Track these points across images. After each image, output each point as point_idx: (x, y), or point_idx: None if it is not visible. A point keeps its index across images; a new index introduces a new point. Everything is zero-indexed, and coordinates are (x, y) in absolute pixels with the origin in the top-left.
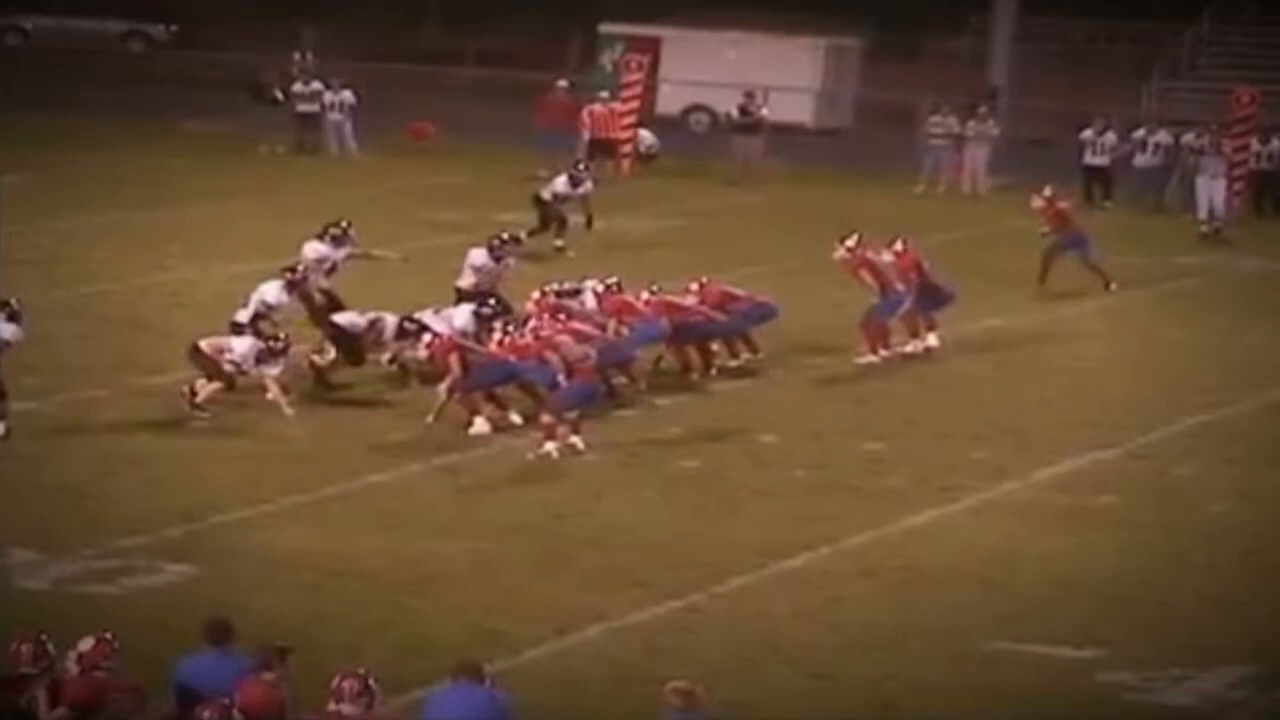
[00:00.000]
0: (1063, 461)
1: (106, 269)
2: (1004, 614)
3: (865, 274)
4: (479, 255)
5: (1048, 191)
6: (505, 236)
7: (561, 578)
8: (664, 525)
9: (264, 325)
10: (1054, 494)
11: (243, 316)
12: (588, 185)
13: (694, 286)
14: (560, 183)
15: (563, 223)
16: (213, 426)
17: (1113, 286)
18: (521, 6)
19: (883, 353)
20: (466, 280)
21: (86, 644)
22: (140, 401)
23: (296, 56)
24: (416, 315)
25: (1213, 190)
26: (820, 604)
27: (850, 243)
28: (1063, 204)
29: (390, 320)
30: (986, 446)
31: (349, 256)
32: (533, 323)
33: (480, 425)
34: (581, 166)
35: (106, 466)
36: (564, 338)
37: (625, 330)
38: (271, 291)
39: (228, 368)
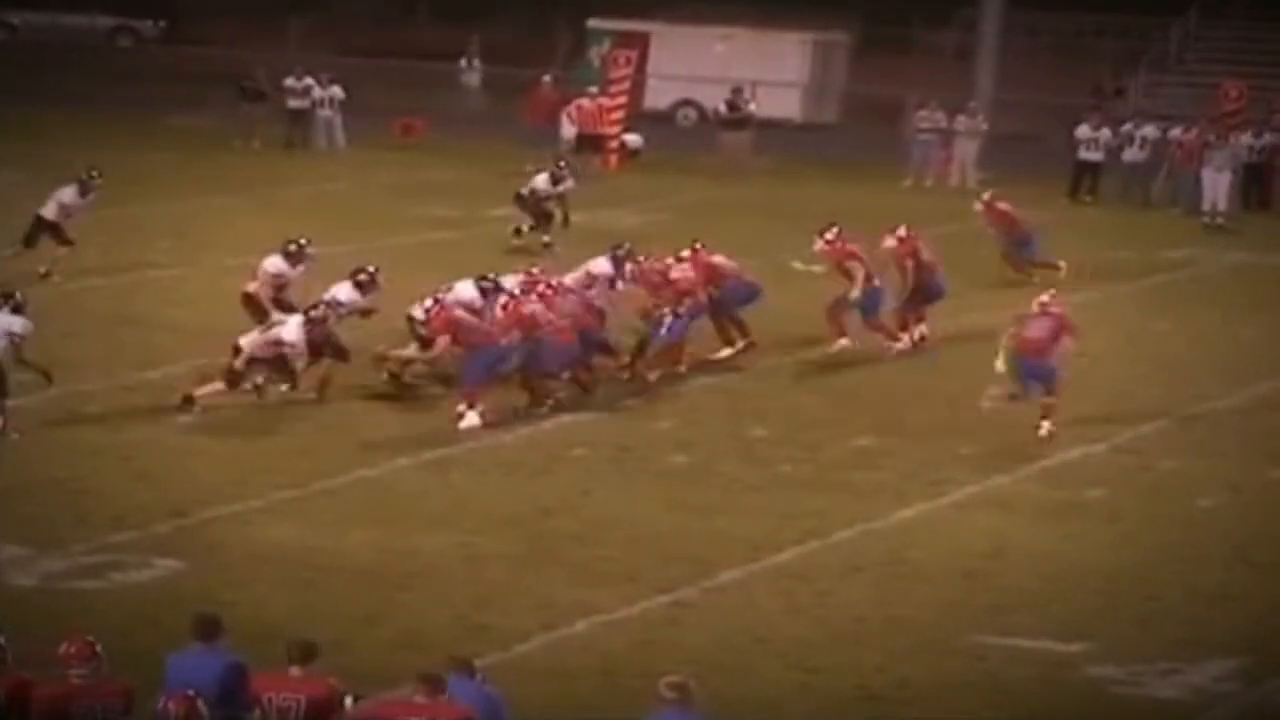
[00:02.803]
0: (1051, 456)
1: (95, 264)
2: (992, 608)
3: (853, 264)
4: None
5: (986, 195)
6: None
7: (550, 572)
8: (653, 519)
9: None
10: (1042, 488)
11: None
12: (568, 183)
13: (686, 254)
14: (541, 180)
15: (547, 218)
16: (202, 422)
17: (1062, 265)
18: (510, 2)
19: (897, 343)
20: None
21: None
22: (130, 396)
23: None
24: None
25: (1219, 182)
26: (809, 598)
27: (830, 235)
28: (1002, 204)
29: None
30: (974, 441)
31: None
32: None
33: (471, 419)
34: (562, 164)
35: (96, 462)
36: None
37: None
38: (344, 290)
39: (286, 352)
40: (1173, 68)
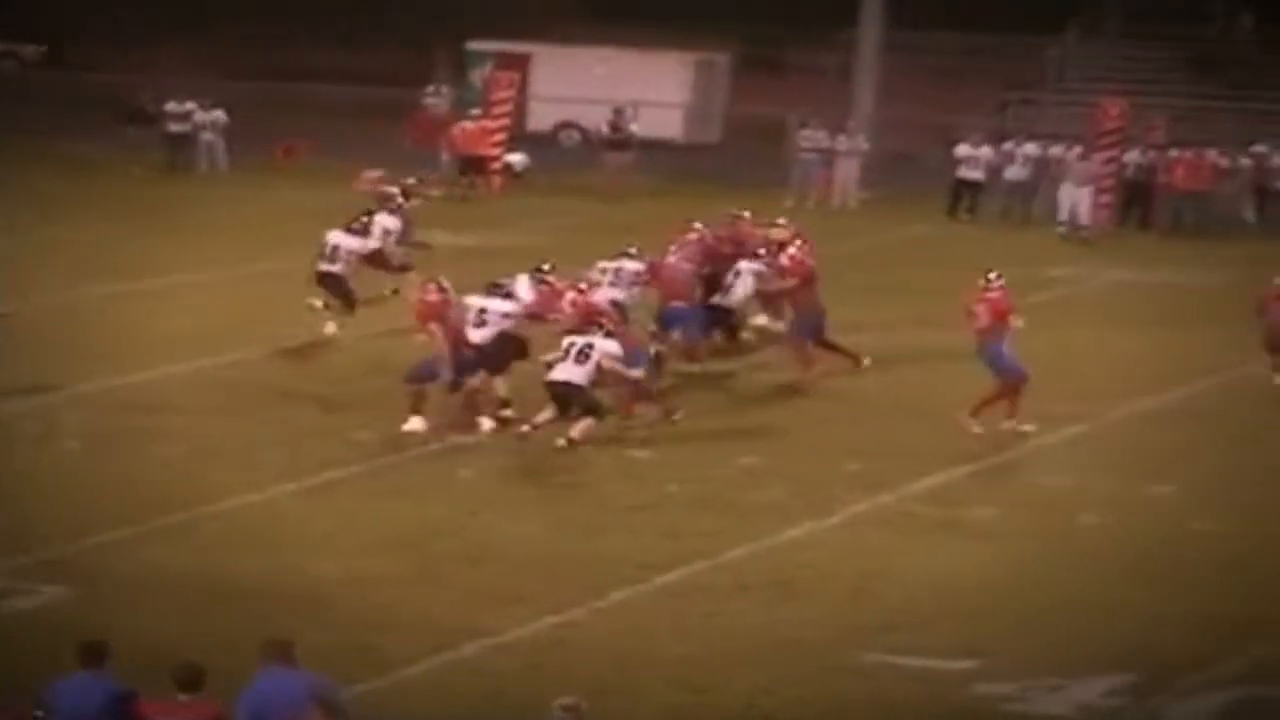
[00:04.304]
0: (936, 474)
1: None
2: (880, 626)
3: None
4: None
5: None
6: (547, 268)
7: (438, 594)
8: (540, 541)
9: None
10: (928, 506)
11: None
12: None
13: (782, 221)
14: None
15: None
16: (87, 447)
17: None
18: (389, 24)
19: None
20: None
21: None
22: (16, 422)
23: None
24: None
25: (1077, 198)
26: (697, 618)
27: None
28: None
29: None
30: (860, 459)
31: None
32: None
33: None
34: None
35: None
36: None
37: None
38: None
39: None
40: (1052, 86)
